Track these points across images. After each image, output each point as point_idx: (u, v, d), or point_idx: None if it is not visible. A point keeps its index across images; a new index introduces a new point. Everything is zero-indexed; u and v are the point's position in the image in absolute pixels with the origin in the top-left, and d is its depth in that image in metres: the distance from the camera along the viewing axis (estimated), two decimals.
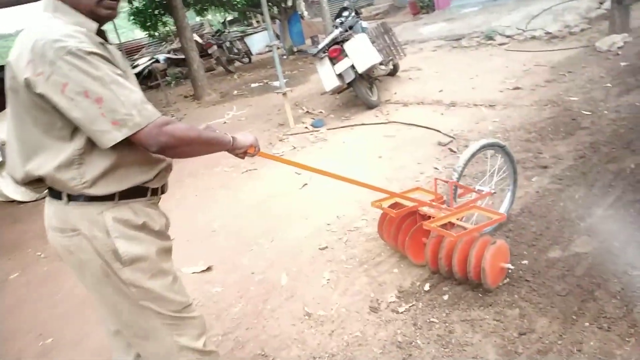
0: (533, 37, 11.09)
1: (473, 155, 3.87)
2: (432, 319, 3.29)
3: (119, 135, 1.62)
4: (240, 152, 2.10)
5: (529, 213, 4.33)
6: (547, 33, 10.91)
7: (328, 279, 3.99)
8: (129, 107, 1.61)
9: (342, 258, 4.25)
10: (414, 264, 3.89)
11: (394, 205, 3.90)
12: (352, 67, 7.72)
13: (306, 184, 6.00)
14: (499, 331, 3.05)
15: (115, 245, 1.79)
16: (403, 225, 3.84)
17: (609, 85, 7.12)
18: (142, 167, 1.87)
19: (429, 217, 3.71)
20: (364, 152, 6.80)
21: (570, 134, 5.82)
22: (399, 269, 3.93)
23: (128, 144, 1.67)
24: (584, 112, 6.31)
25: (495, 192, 4.17)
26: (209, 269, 4.57)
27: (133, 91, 1.66)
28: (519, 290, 3.37)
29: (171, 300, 1.98)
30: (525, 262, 3.68)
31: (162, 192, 2.06)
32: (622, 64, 7.90)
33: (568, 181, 4.72)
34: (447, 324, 3.22)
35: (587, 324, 2.96)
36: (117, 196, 1.81)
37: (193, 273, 4.52)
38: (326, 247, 4.46)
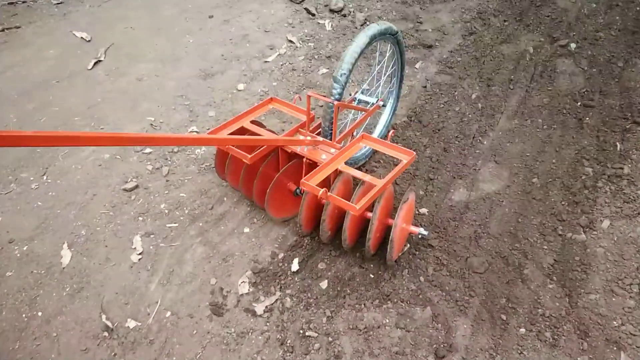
0: None
1: (360, 54, 2.42)
2: (308, 330, 2.14)
3: None
4: None
5: (419, 124, 3.20)
6: None
7: (140, 254, 2.50)
8: None
9: (161, 208, 2.73)
10: (272, 219, 2.59)
11: (239, 132, 2.42)
12: None
13: (100, 60, 3.97)
14: (410, 357, 2.05)
15: None
16: (261, 168, 2.42)
17: None
18: None
19: (296, 154, 2.35)
20: (184, 9, 4.77)
21: None
22: (251, 228, 2.60)
23: None
24: None
25: (384, 105, 2.88)
26: None
27: None
28: (424, 266, 2.36)
29: None
30: (424, 211, 2.64)
31: None
32: None
33: (460, 71, 3.63)
34: (331, 339, 2.11)
35: (522, 330, 2.09)
36: None
37: None
38: (136, 187, 2.86)
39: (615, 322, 2.07)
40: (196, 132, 3.24)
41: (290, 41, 4.12)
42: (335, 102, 2.29)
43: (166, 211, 2.71)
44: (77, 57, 4.00)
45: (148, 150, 3.10)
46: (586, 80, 3.48)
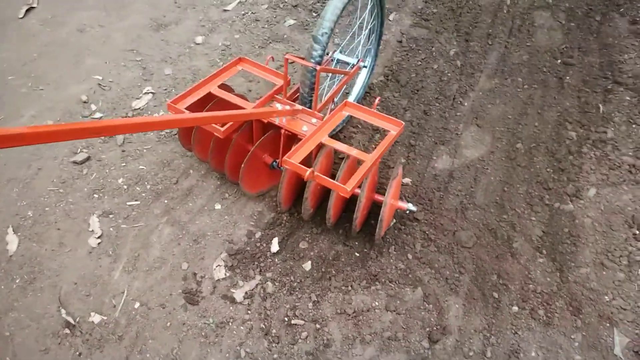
0: None
1: (343, 10, 2.14)
2: (293, 317, 2.00)
3: None
4: None
5: (397, 84, 3.00)
6: None
7: (98, 237, 2.24)
8: None
9: (119, 183, 2.44)
10: (246, 194, 2.38)
11: (206, 98, 2.16)
12: None
13: (32, 7, 3.45)
14: (403, 342, 1.96)
15: None
16: (233, 140, 2.17)
17: None
18: None
19: (271, 124, 2.13)
20: None
21: None
22: (223, 205, 2.38)
23: None
24: None
25: (366, 66, 2.65)
26: None
27: None
28: (411, 242, 2.25)
29: None
30: (407, 181, 2.49)
31: None
32: None
33: (437, 25, 3.41)
34: (318, 326, 1.98)
35: (515, 308, 2.04)
36: None
37: None
38: (87, 159, 2.53)
39: (606, 297, 2.04)
40: (152, 92, 2.90)
41: None
42: (318, 67, 2.03)
43: (125, 187, 2.43)
44: (3, 2, 3.46)
45: (98, 114, 2.75)
46: (565, 36, 3.35)
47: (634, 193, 2.39)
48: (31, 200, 2.36)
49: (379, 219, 2.00)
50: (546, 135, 2.71)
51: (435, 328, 1.98)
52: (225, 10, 3.52)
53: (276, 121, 2.14)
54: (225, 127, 2.01)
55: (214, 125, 1.99)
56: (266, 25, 3.40)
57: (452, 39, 3.32)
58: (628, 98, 2.85)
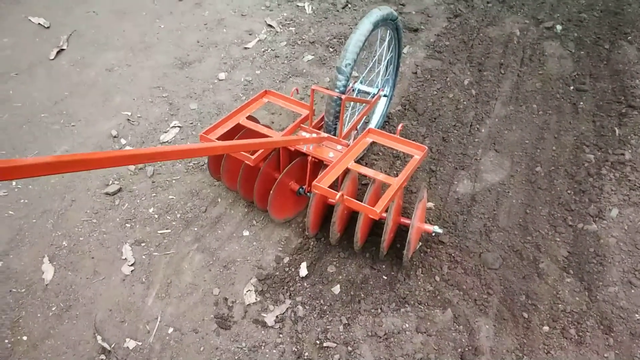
0: None
1: (365, 43, 2.25)
2: (325, 340, 2.02)
3: None
4: None
5: (414, 112, 3.09)
6: None
7: (131, 265, 2.29)
8: None
9: (150, 213, 2.52)
10: (273, 220, 2.43)
11: (235, 129, 2.24)
12: None
13: (62, 49, 3.63)
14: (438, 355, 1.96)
15: None
16: (262, 168, 2.25)
17: None
18: None
19: (298, 152, 2.21)
20: None
21: None
22: (251, 231, 2.43)
23: None
24: None
25: (386, 95, 2.75)
26: None
27: None
28: (438, 265, 2.28)
29: None
30: (430, 205, 2.54)
31: None
32: None
33: (450, 56, 3.53)
34: (350, 348, 1.99)
35: (545, 327, 2.04)
36: None
37: None
38: (119, 190, 2.62)
39: (637, 315, 2.05)
40: (179, 126, 3.01)
41: (270, 25, 3.90)
42: (343, 96, 2.13)
43: (155, 216, 2.50)
44: (36, 45, 3.64)
45: (128, 148, 2.85)
46: (575, 64, 3.45)
47: None
48: (65, 231, 2.44)
49: (407, 240, 2.04)
50: (564, 158, 2.76)
51: (467, 349, 1.98)
52: (245, 48, 3.67)
53: (303, 149, 2.22)
54: (256, 155, 2.09)
55: (244, 153, 2.07)
56: (285, 61, 3.54)
57: (465, 69, 3.43)
58: None
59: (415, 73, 3.42)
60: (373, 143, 2.68)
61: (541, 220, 2.45)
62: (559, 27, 3.80)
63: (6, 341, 2.04)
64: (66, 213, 2.52)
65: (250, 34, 3.81)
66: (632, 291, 2.13)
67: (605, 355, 1.94)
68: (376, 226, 2.37)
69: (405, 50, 3.63)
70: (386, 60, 2.68)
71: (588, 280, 2.18)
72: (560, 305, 2.11)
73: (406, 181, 2.05)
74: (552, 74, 3.37)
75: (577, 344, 1.98)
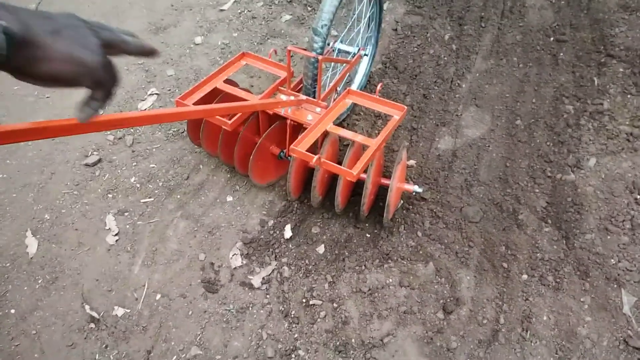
0: None
1: (342, 1, 2.20)
2: (311, 298, 2.06)
3: None
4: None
5: (395, 70, 3.06)
6: None
7: (116, 234, 2.30)
8: None
9: (132, 182, 2.51)
10: (256, 185, 2.44)
11: (212, 94, 2.21)
12: None
13: None
14: (419, 315, 2.02)
15: None
16: (241, 133, 2.23)
17: None
18: None
19: (277, 115, 2.19)
20: None
21: None
22: (234, 196, 2.44)
23: None
24: None
25: (367, 54, 2.71)
26: None
27: None
28: (420, 220, 2.31)
29: None
30: (412, 163, 2.56)
31: None
32: None
33: (430, 11, 3.47)
34: (336, 305, 2.04)
35: (524, 276, 2.10)
36: None
37: None
38: (99, 161, 2.60)
39: (612, 260, 2.11)
40: (156, 94, 2.96)
41: None
42: (319, 57, 2.09)
43: (138, 185, 2.49)
44: None
45: None
46: (556, 14, 3.41)
47: (632, 160, 2.46)
48: (47, 204, 2.42)
49: (386, 203, 2.06)
50: (544, 110, 2.77)
51: (448, 300, 2.04)
52: (221, 10, 3.58)
53: (281, 112, 2.20)
54: (233, 119, 2.07)
55: (221, 118, 2.05)
56: (263, 22, 3.46)
57: (446, 24, 3.38)
58: (622, 70, 2.92)
59: (395, 30, 3.37)
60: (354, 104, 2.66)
61: (521, 172, 2.48)
62: None
63: None
64: (46, 186, 2.50)
65: None
66: (608, 237, 2.18)
67: (582, 299, 2.01)
68: (359, 187, 2.38)
69: (384, 6, 3.55)
70: (367, 17, 2.63)
71: (566, 229, 2.23)
72: (538, 254, 2.16)
73: (384, 142, 2.05)
74: (532, 26, 3.33)
75: (555, 290, 2.04)
